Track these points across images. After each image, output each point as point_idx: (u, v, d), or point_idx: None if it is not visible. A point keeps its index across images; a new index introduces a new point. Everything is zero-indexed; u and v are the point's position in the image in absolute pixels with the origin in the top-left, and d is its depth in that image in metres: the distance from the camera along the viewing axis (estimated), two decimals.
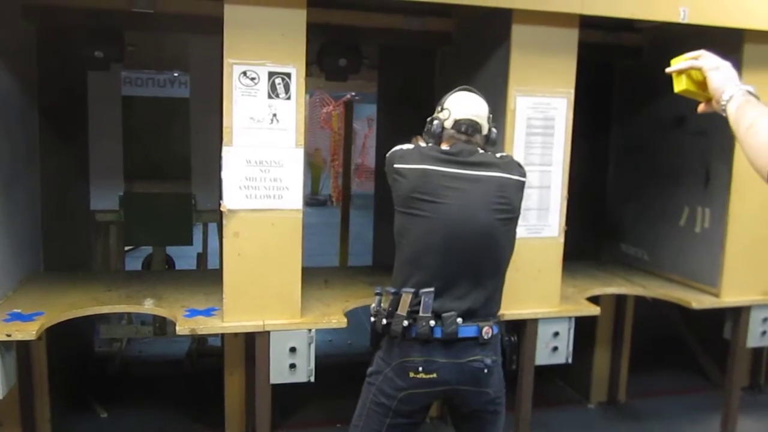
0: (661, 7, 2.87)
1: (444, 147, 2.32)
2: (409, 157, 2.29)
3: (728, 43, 3.18)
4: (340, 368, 5.14)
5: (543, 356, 3.06)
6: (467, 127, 2.32)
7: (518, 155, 2.83)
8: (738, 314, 3.38)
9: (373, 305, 2.35)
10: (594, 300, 3.62)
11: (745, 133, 1.44)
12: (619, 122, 4.13)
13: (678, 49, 3.84)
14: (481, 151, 2.32)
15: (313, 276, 3.44)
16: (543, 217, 2.94)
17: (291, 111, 2.62)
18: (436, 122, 2.36)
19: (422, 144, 2.39)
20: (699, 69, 1.61)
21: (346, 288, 3.31)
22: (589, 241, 4.32)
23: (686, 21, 2.89)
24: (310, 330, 2.79)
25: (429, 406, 2.40)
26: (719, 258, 3.31)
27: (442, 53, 3.73)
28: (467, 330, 2.21)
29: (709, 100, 1.61)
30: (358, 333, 5.73)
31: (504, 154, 2.47)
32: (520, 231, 2.88)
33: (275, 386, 2.87)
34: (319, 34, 3.34)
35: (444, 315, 2.18)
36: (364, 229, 5.58)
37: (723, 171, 3.27)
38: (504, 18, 2.80)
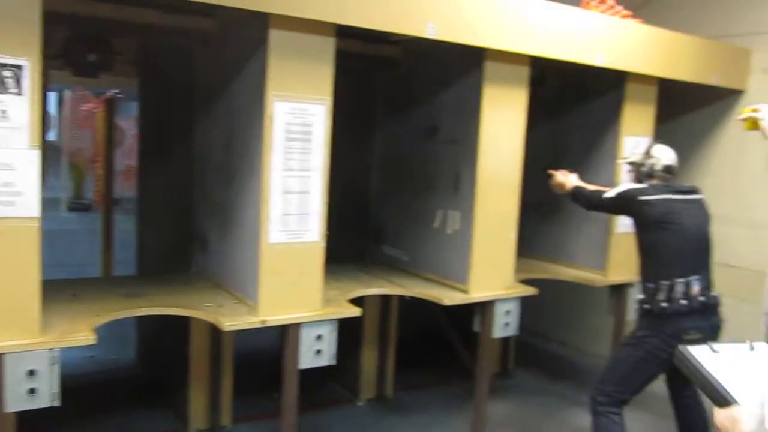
0: (411, 22, 3.02)
1: (658, 182, 3.42)
2: (646, 193, 3.32)
3: (472, 59, 3.46)
4: (100, 386, 4.79)
5: (307, 359, 3.08)
6: (673, 169, 3.48)
7: (277, 161, 2.83)
8: (484, 308, 3.68)
9: (643, 297, 3.29)
10: (358, 301, 3.72)
11: None
12: (381, 130, 4.31)
13: (430, 62, 4.11)
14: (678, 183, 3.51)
15: (59, 289, 3.15)
16: (303, 222, 2.95)
17: (24, 108, 2.36)
18: (648, 165, 3.47)
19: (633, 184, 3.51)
20: (754, 119, 2.98)
21: (98, 301, 3.07)
22: (354, 244, 4.45)
23: (434, 37, 3.07)
24: (52, 349, 2.53)
25: None
26: (467, 257, 3.58)
27: (203, 54, 3.61)
28: (714, 298, 3.27)
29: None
30: (124, 346, 5.40)
31: (689, 184, 3.54)
32: (280, 236, 2.91)
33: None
34: (65, 25, 3.08)
35: (705, 292, 3.21)
36: (134, 236, 5.25)
37: (469, 177, 3.54)
38: (261, 22, 2.77)
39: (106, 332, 5.40)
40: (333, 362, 3.15)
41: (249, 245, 3.02)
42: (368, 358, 4.67)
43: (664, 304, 3.18)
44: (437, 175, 3.79)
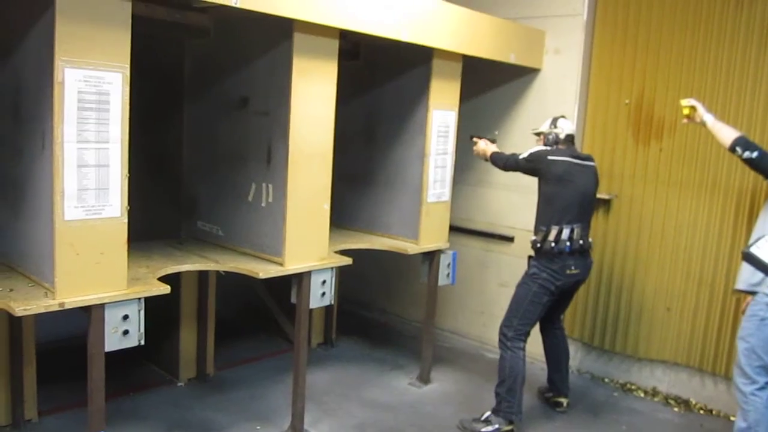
0: None
1: (561, 147, 4.19)
2: (554, 154, 4.09)
3: (281, 30, 3.44)
4: None
5: (113, 342, 2.93)
6: (572, 138, 4.27)
7: (70, 131, 2.65)
8: (300, 279, 3.71)
9: (536, 238, 4.07)
10: (175, 279, 3.61)
11: (717, 133, 3.56)
12: (191, 101, 4.16)
13: (240, 32, 4.04)
14: (576, 150, 4.33)
15: None
16: (103, 197, 2.78)
17: None
18: (554, 134, 4.22)
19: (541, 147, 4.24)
20: (693, 106, 3.69)
21: None
22: (167, 220, 4.30)
23: (239, 6, 3.01)
24: None
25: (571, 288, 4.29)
26: (282, 230, 3.57)
27: None
28: (589, 243, 4.17)
29: (690, 118, 3.72)
30: None
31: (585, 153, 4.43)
32: (77, 213, 2.74)
33: None
34: None
35: (583, 237, 4.08)
36: None
37: (281, 149, 3.52)
38: None
39: None
40: (142, 343, 3.02)
41: (43, 223, 2.81)
42: (187, 337, 4.57)
43: (552, 244, 3.99)
44: (250, 148, 3.73)
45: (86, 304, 2.83)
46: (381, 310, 6.46)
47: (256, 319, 5.75)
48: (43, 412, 3.95)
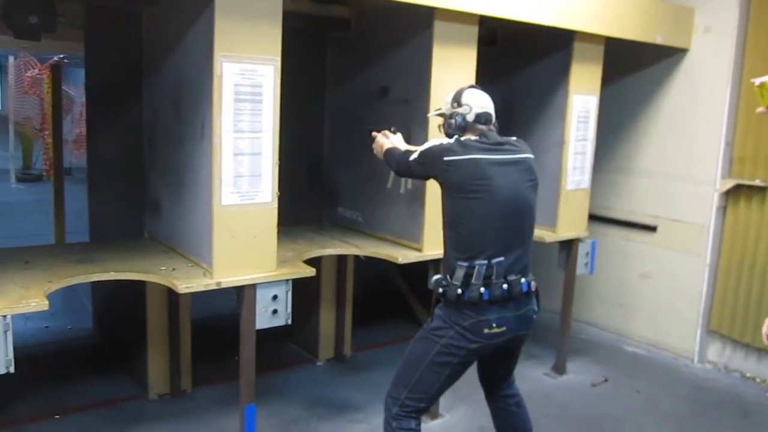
0: None
1: (472, 137, 2.73)
2: (455, 150, 2.64)
3: (421, 18, 3.48)
4: (57, 356, 4.77)
5: (263, 320, 3.11)
6: (487, 119, 2.79)
7: (227, 122, 2.82)
8: (437, 265, 3.75)
9: (438, 277, 2.73)
10: (315, 261, 3.76)
11: None
12: (333, 91, 4.30)
13: (381, 22, 4.10)
14: (498, 136, 2.78)
15: (10, 257, 3.14)
16: (256, 184, 2.96)
17: None
18: (459, 116, 2.78)
19: (443, 140, 2.76)
20: None
21: (50, 268, 3.04)
22: (311, 206, 4.48)
23: None
24: (4, 316, 2.52)
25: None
26: (420, 216, 3.63)
27: (150, 15, 3.55)
28: (524, 285, 2.68)
29: None
30: (80, 317, 5.36)
31: (514, 138, 2.86)
32: (233, 198, 2.92)
33: None
34: None
35: (510, 278, 2.62)
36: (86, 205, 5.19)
37: (420, 136, 3.57)
38: None
39: (60, 303, 5.43)
40: (289, 322, 3.18)
41: (202, 208, 3.02)
42: (326, 319, 4.74)
43: (460, 291, 2.60)
44: None
45: (240, 283, 3.01)
46: None
47: (388, 303, 5.86)
48: (197, 383, 4.25)
